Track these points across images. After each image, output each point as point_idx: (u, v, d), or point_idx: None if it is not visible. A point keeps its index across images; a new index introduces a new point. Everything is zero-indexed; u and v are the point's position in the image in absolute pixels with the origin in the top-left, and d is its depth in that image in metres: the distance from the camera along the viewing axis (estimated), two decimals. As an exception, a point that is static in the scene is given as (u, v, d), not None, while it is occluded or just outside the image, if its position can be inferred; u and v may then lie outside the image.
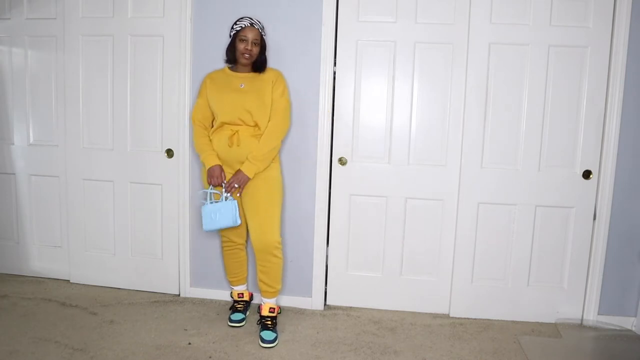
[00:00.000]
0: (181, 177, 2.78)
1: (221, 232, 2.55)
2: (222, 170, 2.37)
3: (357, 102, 2.68)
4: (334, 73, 2.66)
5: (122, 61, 2.79)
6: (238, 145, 2.34)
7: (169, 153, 2.78)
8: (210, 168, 2.37)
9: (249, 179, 2.34)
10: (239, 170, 2.33)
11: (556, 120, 2.57)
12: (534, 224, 2.65)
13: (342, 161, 2.70)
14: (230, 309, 2.66)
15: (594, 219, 2.61)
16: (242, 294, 2.63)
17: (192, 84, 2.71)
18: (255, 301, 2.78)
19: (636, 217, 2.59)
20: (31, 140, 3.01)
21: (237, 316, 2.56)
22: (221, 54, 2.61)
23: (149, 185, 2.85)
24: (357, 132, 2.69)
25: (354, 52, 2.64)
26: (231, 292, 2.67)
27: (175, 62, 2.72)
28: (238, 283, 2.65)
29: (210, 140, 2.42)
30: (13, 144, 3.03)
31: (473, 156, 2.63)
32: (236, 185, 2.32)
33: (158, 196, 2.84)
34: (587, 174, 2.58)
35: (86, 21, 2.80)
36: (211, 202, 2.35)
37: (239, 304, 2.62)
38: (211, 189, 2.38)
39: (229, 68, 2.48)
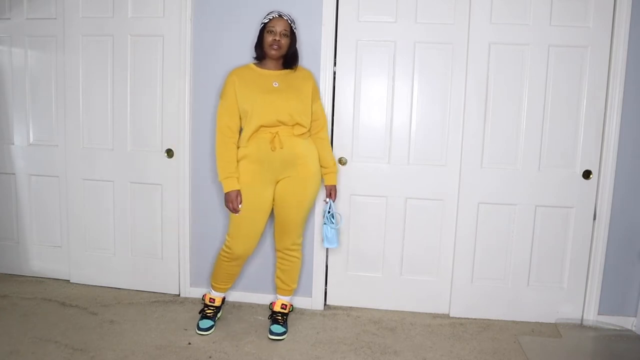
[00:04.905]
0: (181, 177, 2.78)
1: (227, 243, 2.36)
2: (238, 194, 2.26)
3: (357, 102, 2.68)
4: (334, 73, 2.66)
5: (122, 61, 2.78)
6: (281, 148, 2.24)
7: (169, 153, 2.78)
8: (228, 193, 2.25)
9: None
10: (330, 186, 2.46)
11: (556, 120, 2.57)
12: (534, 224, 2.64)
13: (342, 161, 2.70)
14: (199, 312, 2.54)
15: (594, 219, 2.61)
16: (214, 299, 2.50)
17: (192, 84, 2.71)
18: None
19: (636, 217, 2.59)
20: (31, 140, 3.01)
21: (206, 323, 2.43)
22: (221, 54, 2.62)
23: (149, 185, 2.84)
24: (357, 132, 2.69)
25: (354, 52, 2.64)
26: (204, 295, 2.55)
27: (175, 62, 2.71)
28: (219, 290, 2.51)
29: (240, 148, 2.29)
30: (13, 144, 3.03)
31: (473, 156, 2.63)
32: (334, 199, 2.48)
33: (158, 196, 2.84)
34: (587, 174, 2.57)
35: (86, 21, 2.79)
36: (331, 223, 2.45)
37: (209, 309, 2.49)
38: (331, 207, 2.45)
39: (256, 64, 2.34)
